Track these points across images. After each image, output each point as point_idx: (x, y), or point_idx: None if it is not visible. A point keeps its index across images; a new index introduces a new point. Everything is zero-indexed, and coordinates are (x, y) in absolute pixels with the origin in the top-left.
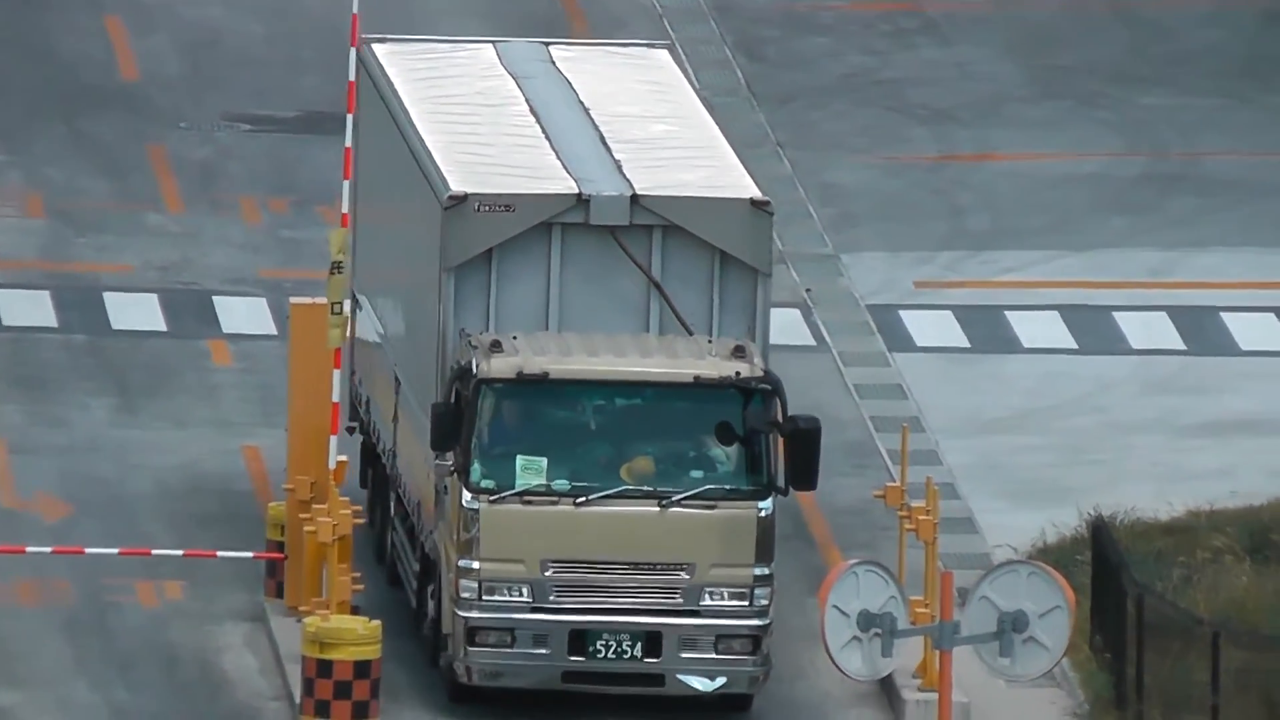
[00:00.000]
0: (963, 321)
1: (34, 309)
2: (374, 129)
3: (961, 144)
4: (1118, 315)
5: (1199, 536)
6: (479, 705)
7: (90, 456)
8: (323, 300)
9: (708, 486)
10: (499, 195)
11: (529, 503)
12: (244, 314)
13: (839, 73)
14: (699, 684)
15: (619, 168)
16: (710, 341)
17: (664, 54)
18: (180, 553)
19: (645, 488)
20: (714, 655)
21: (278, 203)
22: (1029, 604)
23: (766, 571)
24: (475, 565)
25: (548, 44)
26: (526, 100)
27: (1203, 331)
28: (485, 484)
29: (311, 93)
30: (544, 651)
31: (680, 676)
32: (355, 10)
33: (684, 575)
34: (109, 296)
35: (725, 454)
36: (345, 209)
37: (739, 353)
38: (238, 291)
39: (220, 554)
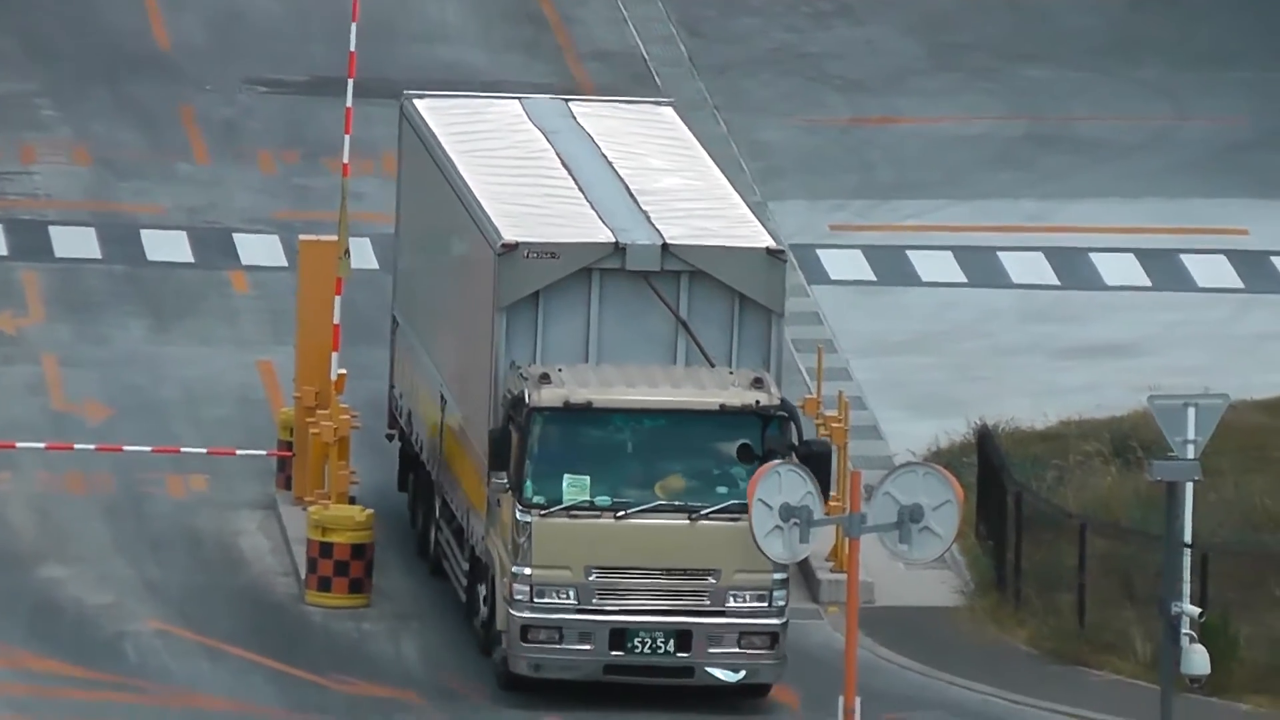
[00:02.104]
0: (870, 259)
1: (81, 243)
2: (420, 177)
3: (870, 109)
4: (1001, 255)
5: (1070, 443)
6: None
7: (128, 369)
8: (328, 237)
9: (731, 501)
10: (546, 244)
11: (575, 516)
12: (260, 249)
13: (767, 47)
14: (725, 676)
15: (648, 218)
16: (731, 373)
17: (669, 111)
18: (204, 450)
19: (676, 502)
20: (738, 650)
21: (289, 155)
22: (924, 499)
23: (783, 576)
24: (527, 571)
25: (567, 100)
26: (557, 154)
27: (1074, 269)
28: (536, 500)
29: (319, 60)
30: (588, 647)
31: (708, 669)
32: None
33: (711, 580)
34: (145, 233)
35: (746, 472)
36: (345, 159)
37: (758, 384)
38: (255, 230)
39: (238, 452)
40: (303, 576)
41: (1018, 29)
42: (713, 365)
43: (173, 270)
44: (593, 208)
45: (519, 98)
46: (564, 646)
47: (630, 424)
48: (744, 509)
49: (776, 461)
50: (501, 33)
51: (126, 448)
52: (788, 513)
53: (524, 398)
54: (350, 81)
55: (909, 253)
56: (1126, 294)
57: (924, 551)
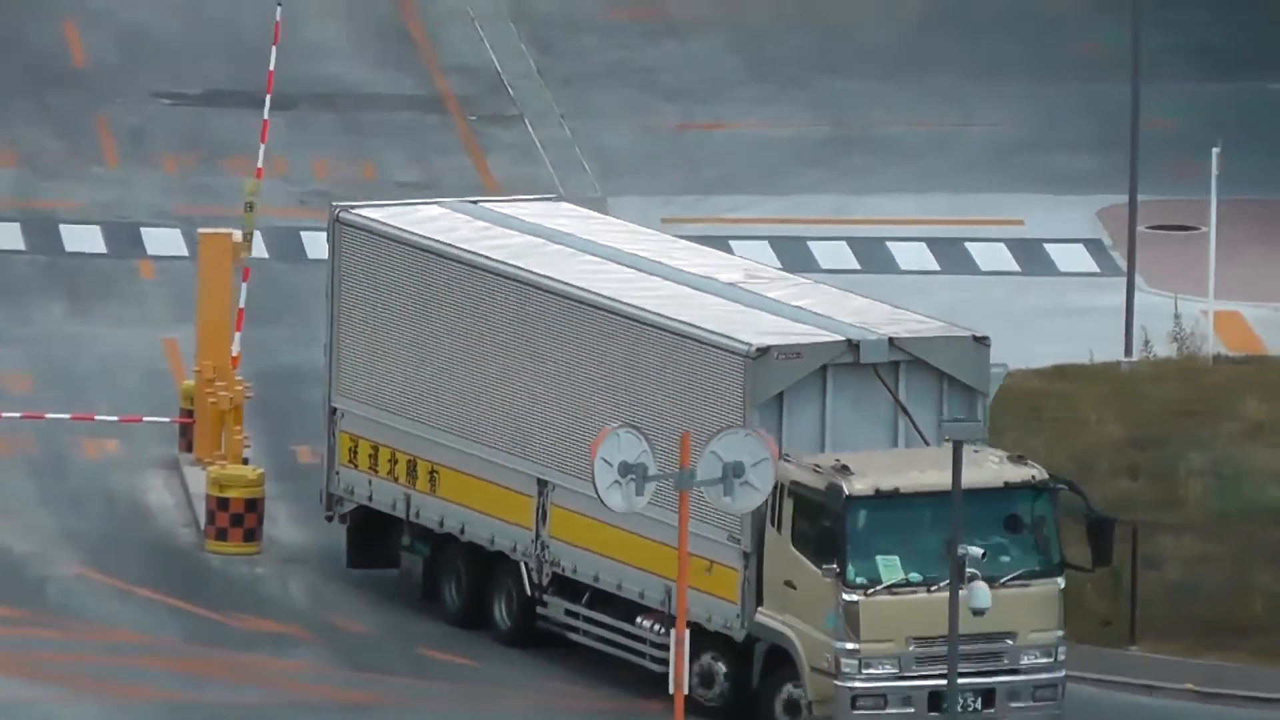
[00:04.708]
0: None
1: (7, 236)
2: (426, 285)
3: (697, 115)
4: (810, 243)
5: None
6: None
7: (49, 346)
8: (224, 230)
9: (1022, 569)
10: (793, 345)
11: (895, 593)
12: (164, 241)
13: (606, 62)
14: None
15: (824, 316)
16: (976, 451)
17: (565, 204)
18: (116, 418)
19: (979, 573)
20: (1032, 703)
21: (189, 158)
22: (745, 457)
23: (1063, 633)
24: (856, 646)
25: (475, 202)
26: (603, 255)
27: (873, 256)
28: (859, 581)
29: (215, 75)
30: (909, 710)
31: None
32: (278, 18)
33: (1009, 641)
34: (63, 227)
35: (1029, 541)
36: (260, 164)
37: (1020, 460)
38: (159, 224)
39: (146, 419)
40: (202, 527)
41: (823, 45)
42: (927, 443)
43: (88, 260)
44: (755, 309)
45: (439, 202)
46: (888, 711)
47: (929, 505)
48: (1034, 575)
49: (614, 425)
50: (374, 50)
51: (48, 415)
52: (625, 469)
53: (840, 488)
54: (268, 97)
55: (731, 242)
56: (919, 277)
57: (744, 503)
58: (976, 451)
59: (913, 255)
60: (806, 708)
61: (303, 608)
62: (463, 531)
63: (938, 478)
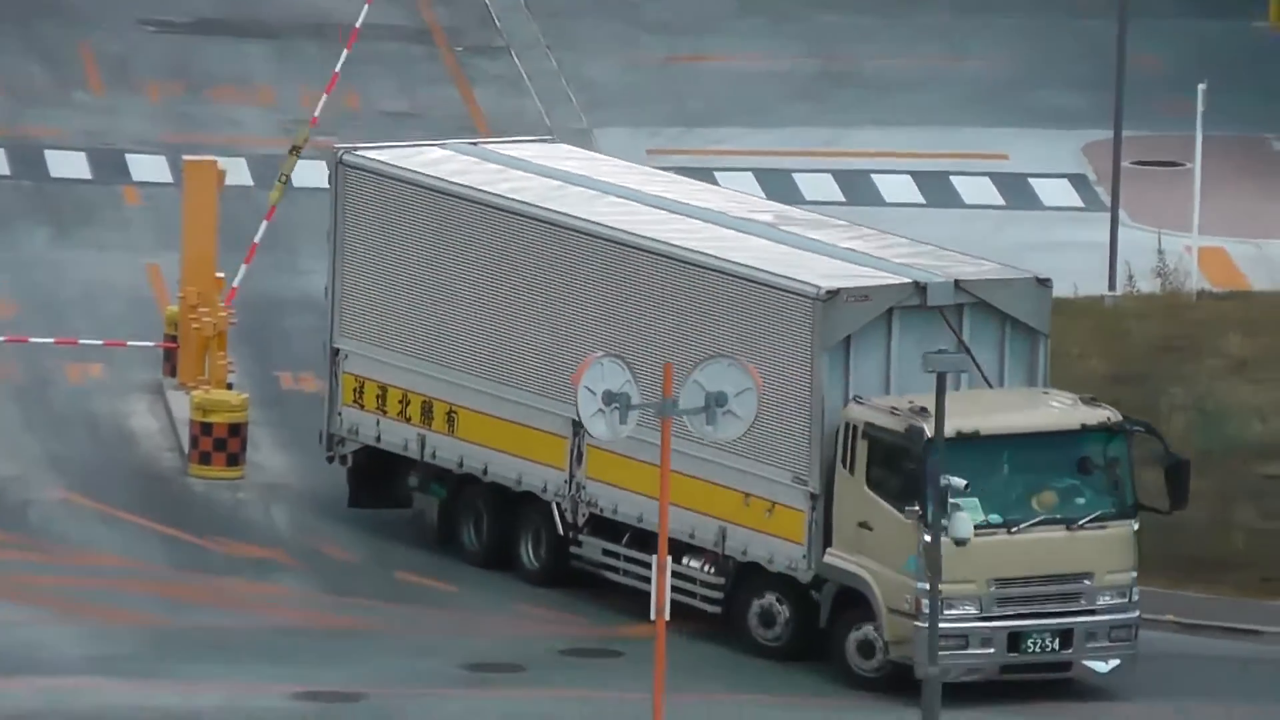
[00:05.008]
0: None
1: None
2: (446, 226)
3: (683, 48)
4: (796, 175)
5: None
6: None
7: (34, 271)
8: (209, 158)
9: (1098, 511)
10: (861, 289)
11: (976, 535)
12: (149, 167)
13: None
14: (1098, 666)
15: (882, 258)
16: (1045, 393)
17: (564, 146)
18: (100, 342)
19: (1055, 515)
20: (1108, 644)
21: (175, 86)
22: (728, 387)
23: (1136, 574)
24: (940, 588)
25: (475, 143)
26: (628, 197)
27: (858, 188)
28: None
29: (202, 3)
30: (989, 651)
31: (1084, 662)
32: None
33: (1086, 582)
34: (48, 154)
35: (1104, 483)
36: (317, 114)
37: (1093, 402)
38: (144, 151)
39: (130, 344)
40: (186, 452)
41: None
42: (990, 385)
43: (72, 186)
44: (815, 253)
45: (442, 144)
46: (969, 652)
47: (1007, 447)
48: (1110, 517)
49: (598, 354)
50: None
51: (32, 339)
52: (609, 398)
53: (922, 430)
54: (345, 51)
55: (716, 173)
56: (904, 210)
57: (727, 431)
58: (1045, 393)
59: (898, 188)
60: (883, 648)
61: (284, 533)
62: (485, 472)
63: (1016, 419)
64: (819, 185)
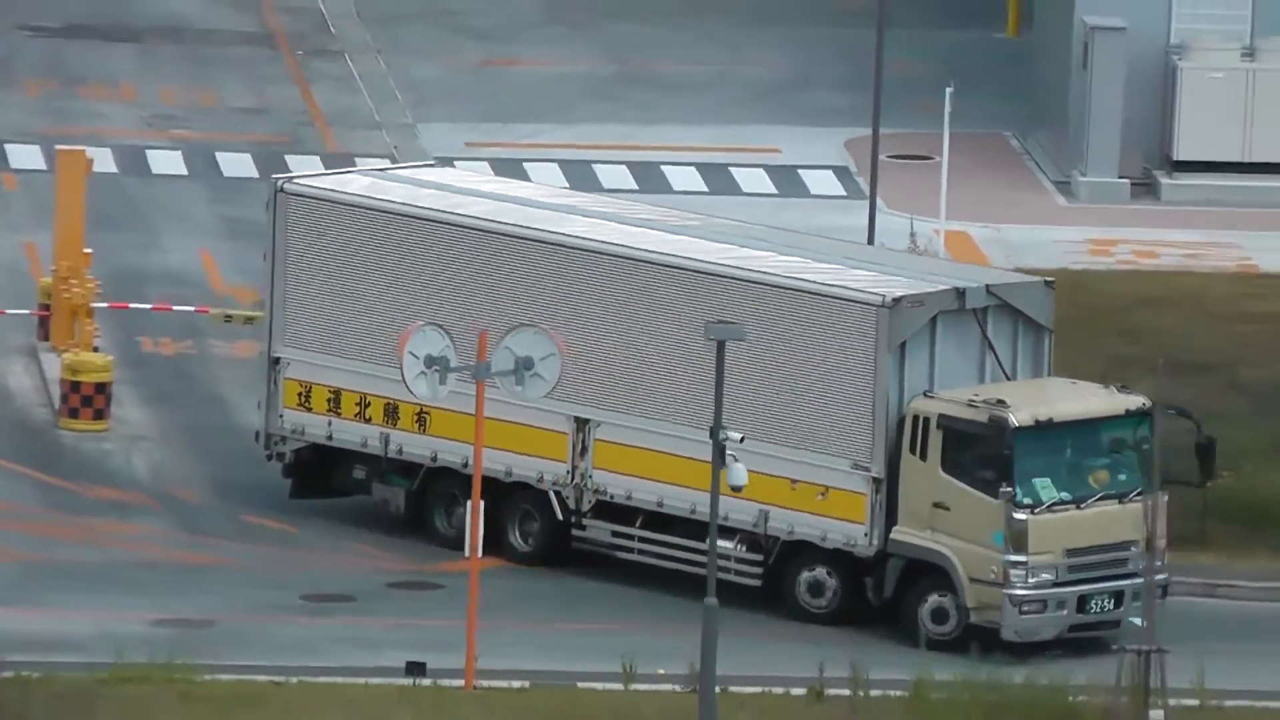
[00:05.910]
0: (496, 169)
1: None
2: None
3: (498, 53)
4: (596, 167)
5: None
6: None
7: None
8: (78, 148)
9: (1141, 486)
10: (918, 295)
11: (1055, 511)
12: (25, 156)
13: (418, 4)
14: (1137, 620)
15: (903, 267)
16: (1074, 385)
17: (449, 172)
18: None
19: (1110, 491)
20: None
21: (49, 84)
22: (535, 352)
23: (1166, 540)
24: (1024, 559)
25: (384, 170)
26: (585, 213)
27: (650, 178)
28: (1026, 501)
29: (74, 10)
30: (1063, 613)
31: (1130, 619)
32: None
33: (1134, 549)
34: None
35: (1141, 460)
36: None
37: (1125, 389)
38: (21, 141)
39: (7, 311)
40: (57, 408)
41: None
42: (1009, 378)
43: None
44: (848, 265)
45: (356, 170)
46: (1047, 614)
47: (1070, 432)
48: (1147, 490)
49: (420, 322)
50: None
51: None
52: (430, 362)
53: (1007, 420)
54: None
55: (525, 164)
56: (690, 197)
57: (534, 391)
58: (1074, 384)
59: (685, 178)
60: (963, 614)
61: (144, 479)
62: (466, 465)
63: (1077, 407)
64: (616, 175)
